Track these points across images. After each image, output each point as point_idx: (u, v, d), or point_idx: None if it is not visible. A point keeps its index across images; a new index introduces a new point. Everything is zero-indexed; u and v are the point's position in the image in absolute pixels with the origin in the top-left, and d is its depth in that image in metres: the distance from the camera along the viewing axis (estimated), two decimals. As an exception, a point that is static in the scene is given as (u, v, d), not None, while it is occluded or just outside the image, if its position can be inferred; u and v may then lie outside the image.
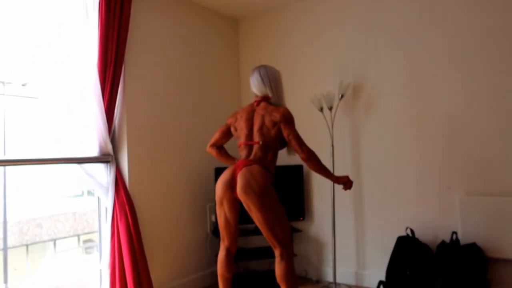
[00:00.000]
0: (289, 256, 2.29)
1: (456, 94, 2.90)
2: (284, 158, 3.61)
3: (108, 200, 2.76)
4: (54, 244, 9.27)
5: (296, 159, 3.55)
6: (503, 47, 2.72)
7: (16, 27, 2.31)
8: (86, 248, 10.03)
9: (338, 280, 3.26)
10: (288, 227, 2.31)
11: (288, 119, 2.39)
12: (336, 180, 2.45)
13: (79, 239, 9.76)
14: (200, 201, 3.42)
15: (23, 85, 8.57)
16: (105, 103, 2.71)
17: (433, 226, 2.97)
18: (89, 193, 10.47)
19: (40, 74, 2.42)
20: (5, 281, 7.59)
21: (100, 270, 2.82)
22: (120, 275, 2.68)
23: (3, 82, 8.55)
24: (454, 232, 2.77)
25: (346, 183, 2.47)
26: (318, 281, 3.39)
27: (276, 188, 2.34)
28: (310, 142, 3.52)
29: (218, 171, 3.30)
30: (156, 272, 2.95)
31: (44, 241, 9.10)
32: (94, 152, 2.72)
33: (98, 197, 2.88)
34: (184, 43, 3.40)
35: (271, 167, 2.39)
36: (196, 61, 3.51)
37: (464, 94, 2.87)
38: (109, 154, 2.78)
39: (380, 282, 2.95)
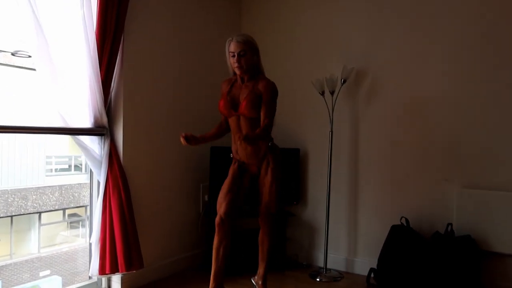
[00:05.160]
0: None
1: (457, 86, 2.88)
2: (280, 141, 3.56)
3: (101, 174, 2.69)
4: (39, 216, 9.17)
5: (294, 143, 3.50)
6: (506, 42, 2.70)
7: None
8: (71, 222, 9.95)
9: (329, 266, 3.25)
10: None
11: None
12: None
13: (64, 213, 9.67)
14: (194, 180, 3.36)
15: (12, 54, 8.32)
16: (102, 74, 2.61)
17: (428, 217, 2.97)
18: (76, 167, 10.34)
19: (34, 41, 2.30)
20: (-11, 250, 7.49)
21: (90, 244, 2.76)
22: (111, 251, 2.62)
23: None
24: (449, 224, 2.77)
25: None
26: (308, 266, 3.39)
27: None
28: (309, 126, 3.48)
29: (214, 150, 3.25)
30: (147, 250, 2.90)
31: (29, 213, 9.00)
32: (89, 124, 2.63)
33: (91, 170, 2.80)
34: (186, 16, 3.29)
35: None
36: (197, 36, 3.41)
37: (465, 87, 2.86)
38: (104, 127, 2.69)
39: (371, 270, 2.95)
